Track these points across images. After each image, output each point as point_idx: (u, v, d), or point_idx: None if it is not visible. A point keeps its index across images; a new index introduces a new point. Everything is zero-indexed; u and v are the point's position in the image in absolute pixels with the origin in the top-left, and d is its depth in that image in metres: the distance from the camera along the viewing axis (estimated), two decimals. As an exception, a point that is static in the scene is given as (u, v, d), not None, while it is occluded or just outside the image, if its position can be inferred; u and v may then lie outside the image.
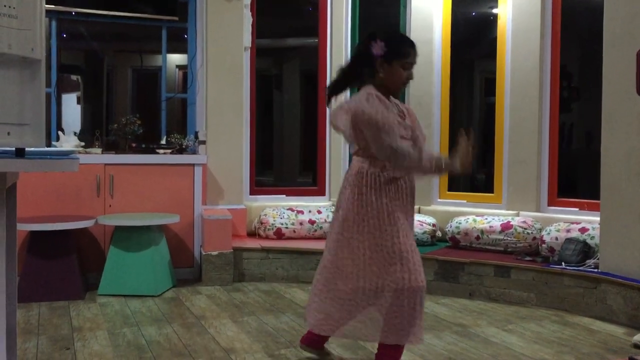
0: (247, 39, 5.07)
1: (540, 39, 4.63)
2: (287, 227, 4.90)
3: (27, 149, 1.64)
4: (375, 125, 2.44)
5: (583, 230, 4.09)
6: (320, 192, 5.42)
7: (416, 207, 5.06)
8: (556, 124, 4.66)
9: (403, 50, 2.55)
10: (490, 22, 5.14)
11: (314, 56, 5.46)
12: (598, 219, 3.90)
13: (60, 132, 4.66)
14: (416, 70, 4.86)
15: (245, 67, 5.13)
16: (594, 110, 4.02)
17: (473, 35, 5.48)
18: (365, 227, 2.51)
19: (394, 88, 2.59)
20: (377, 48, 2.52)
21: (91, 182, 4.45)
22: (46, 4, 4.62)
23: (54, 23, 4.81)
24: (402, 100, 5.28)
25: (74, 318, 3.59)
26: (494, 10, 5.00)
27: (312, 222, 4.96)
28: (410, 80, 2.61)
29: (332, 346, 3.10)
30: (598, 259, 3.83)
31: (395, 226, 2.49)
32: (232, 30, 4.97)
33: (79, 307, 3.84)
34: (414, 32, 5.16)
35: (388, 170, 2.53)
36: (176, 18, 4.97)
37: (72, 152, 2.05)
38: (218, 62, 4.95)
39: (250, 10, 5.11)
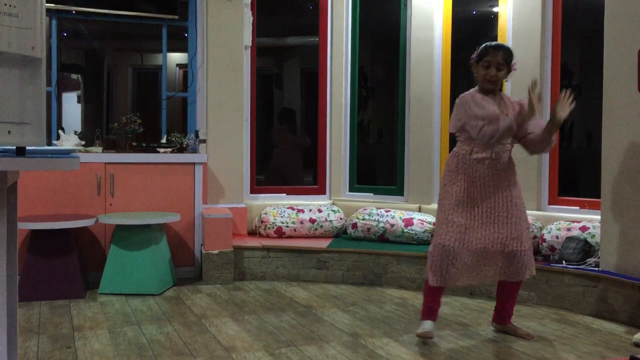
0: (247, 38, 5.07)
1: (541, 37, 4.62)
2: (287, 226, 4.91)
3: (27, 147, 1.64)
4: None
5: (584, 229, 4.08)
6: (321, 191, 5.42)
7: (417, 205, 5.10)
8: (557, 123, 4.65)
9: (482, 52, 3.14)
10: (490, 21, 5.13)
11: (315, 55, 5.46)
12: (599, 217, 3.90)
13: (60, 131, 4.66)
14: (417, 68, 4.90)
15: (246, 66, 5.13)
16: (594, 109, 4.01)
17: (474, 34, 5.48)
18: None
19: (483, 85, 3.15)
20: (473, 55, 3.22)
21: (92, 181, 4.45)
22: (46, 2, 4.63)
23: (54, 22, 4.81)
24: (402, 99, 5.29)
25: (74, 317, 3.59)
26: (495, 9, 4.99)
27: (312, 220, 4.96)
28: (494, 79, 3.11)
29: (332, 344, 3.10)
30: (599, 257, 3.83)
31: None
32: (233, 29, 4.97)
33: (79, 306, 3.84)
34: (414, 30, 5.16)
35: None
36: (176, 17, 4.96)
37: (72, 151, 2.05)
38: (218, 61, 4.95)
39: (251, 9, 5.11)
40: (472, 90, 3.19)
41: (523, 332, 3.26)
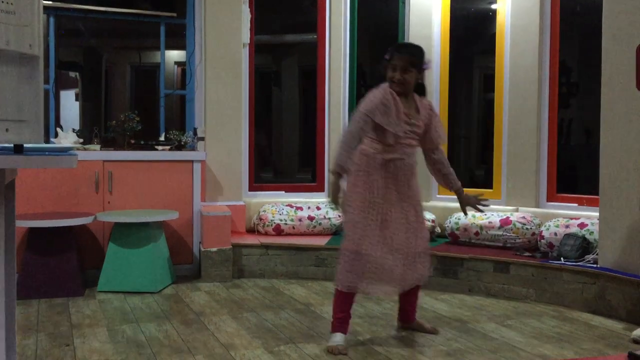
0: (245, 35, 5.07)
1: (539, 34, 4.62)
2: (286, 223, 4.90)
3: (25, 145, 1.63)
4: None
5: (582, 225, 4.09)
6: (319, 188, 5.42)
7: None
8: (555, 120, 4.66)
9: (389, 53, 3.02)
10: (489, 18, 5.13)
11: (313, 52, 5.45)
12: (597, 214, 3.90)
13: (58, 129, 4.66)
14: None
15: (244, 63, 5.12)
16: (593, 106, 4.02)
17: (472, 31, 5.48)
18: None
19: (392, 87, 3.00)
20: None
21: (90, 179, 4.45)
22: (44, 0, 4.62)
23: (52, 20, 4.80)
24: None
25: (73, 315, 3.59)
26: (493, 6, 4.99)
27: (311, 218, 4.96)
28: (399, 82, 2.97)
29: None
30: (597, 254, 3.83)
31: None
32: (231, 27, 4.96)
33: (78, 303, 3.84)
34: (413, 28, 5.16)
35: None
36: (175, 14, 4.96)
37: (70, 148, 2.05)
38: (217, 59, 4.94)
39: (249, 7, 5.11)
40: (386, 86, 3.00)
41: (429, 328, 3.28)
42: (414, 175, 3.09)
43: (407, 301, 3.28)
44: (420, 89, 3.11)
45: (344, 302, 3.01)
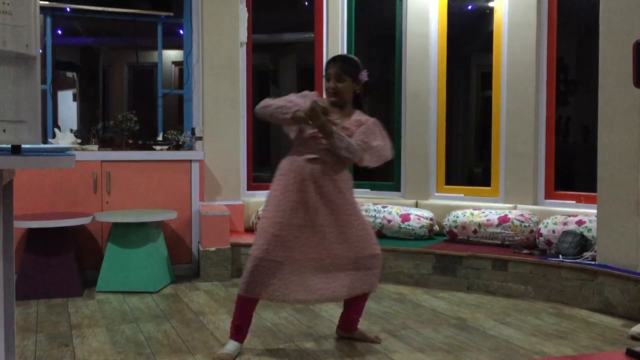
0: (243, 35, 5.06)
1: (537, 32, 4.63)
2: (284, 223, 4.89)
3: (23, 146, 1.63)
4: None
5: (580, 222, 4.10)
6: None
7: (414, 201, 5.10)
8: (553, 117, 4.66)
9: (325, 65, 3.03)
10: (486, 16, 5.13)
11: (311, 51, 5.45)
12: (595, 211, 3.91)
13: (56, 129, 4.65)
14: (412, 64, 4.93)
15: (242, 62, 5.12)
16: (590, 103, 4.02)
17: (469, 29, 5.48)
18: None
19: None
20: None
21: (88, 179, 4.44)
22: (41, 0, 4.62)
23: (48, 20, 4.79)
24: (398, 95, 5.29)
25: (72, 315, 3.59)
26: (490, 4, 4.99)
27: (309, 217, 4.95)
28: (332, 91, 2.93)
29: (330, 340, 3.10)
30: (595, 251, 3.84)
31: None
32: (228, 26, 4.96)
33: (77, 304, 3.84)
34: (410, 26, 5.16)
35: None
36: (171, 13, 4.95)
37: (68, 148, 2.05)
38: (214, 58, 4.94)
39: (246, 6, 5.10)
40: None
41: (372, 337, 3.12)
42: (343, 177, 2.92)
43: (351, 310, 3.10)
44: (357, 101, 3.02)
45: (242, 308, 2.88)
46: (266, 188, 5.38)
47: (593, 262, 3.80)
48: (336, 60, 3.01)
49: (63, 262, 4.02)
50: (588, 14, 4.32)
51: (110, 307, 3.77)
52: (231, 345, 2.87)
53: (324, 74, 3.02)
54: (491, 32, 4.95)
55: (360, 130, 2.90)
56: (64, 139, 4.56)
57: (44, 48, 4.83)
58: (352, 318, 3.13)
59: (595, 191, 3.89)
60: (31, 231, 4.01)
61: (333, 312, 3.65)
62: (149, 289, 4.11)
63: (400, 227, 4.71)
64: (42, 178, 4.33)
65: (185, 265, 4.70)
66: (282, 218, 2.82)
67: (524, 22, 4.67)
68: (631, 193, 3.60)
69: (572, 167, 5.05)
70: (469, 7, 5.39)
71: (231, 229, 4.79)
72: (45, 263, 3.98)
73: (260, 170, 5.84)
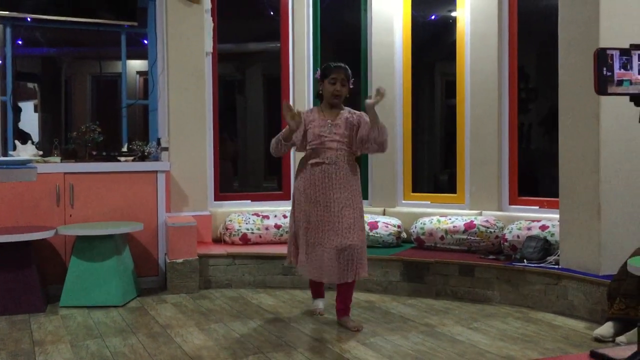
0: (208, 44, 5.03)
1: (498, 41, 4.72)
2: (252, 233, 4.88)
3: (-19, 159, 1.59)
4: None
5: (543, 227, 4.18)
6: (286, 197, 5.40)
7: (381, 209, 5.13)
8: (515, 124, 4.76)
9: (327, 70, 3.53)
10: (449, 26, 5.22)
11: (277, 61, 5.46)
12: (558, 216, 3.99)
13: (17, 142, 4.55)
14: (378, 72, 5.04)
15: (207, 72, 5.09)
16: (551, 110, 4.12)
17: (433, 38, 5.56)
18: None
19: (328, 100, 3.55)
20: (317, 74, 3.62)
21: (50, 192, 4.35)
22: (0, 10, 4.53)
23: (8, 30, 4.69)
24: (364, 104, 5.30)
25: (35, 331, 3.50)
26: (453, 14, 5.08)
27: (277, 226, 4.95)
28: (338, 94, 3.50)
29: (300, 350, 3.09)
30: (559, 255, 3.92)
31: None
32: (193, 35, 4.93)
33: (40, 320, 3.75)
34: (375, 35, 5.21)
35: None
36: (135, 23, 4.90)
37: (29, 161, 2.01)
38: (179, 68, 4.90)
39: (212, 15, 5.08)
40: (314, 108, 3.65)
41: (352, 325, 3.46)
42: (348, 177, 3.48)
43: (337, 296, 3.57)
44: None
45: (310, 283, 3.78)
46: (233, 198, 5.42)
47: (557, 266, 3.87)
48: (341, 67, 3.50)
49: (25, 277, 3.92)
50: (547, 24, 4.43)
51: (75, 323, 3.69)
52: (318, 302, 3.78)
53: (323, 77, 3.52)
54: (454, 42, 5.03)
55: (365, 127, 3.46)
56: (25, 151, 4.45)
57: (4, 59, 4.73)
58: (337, 305, 3.57)
59: (557, 196, 3.97)
60: (-9, 246, 3.90)
61: (302, 322, 3.64)
62: (114, 303, 4.04)
63: (368, 235, 4.73)
64: (2, 191, 4.23)
65: (152, 277, 4.63)
66: (298, 209, 3.53)
67: (486, 32, 4.77)
68: (592, 198, 3.69)
69: (534, 173, 5.15)
70: (432, 17, 5.47)
71: (198, 240, 4.74)
72: (6, 278, 3.88)
73: (228, 180, 5.79)
